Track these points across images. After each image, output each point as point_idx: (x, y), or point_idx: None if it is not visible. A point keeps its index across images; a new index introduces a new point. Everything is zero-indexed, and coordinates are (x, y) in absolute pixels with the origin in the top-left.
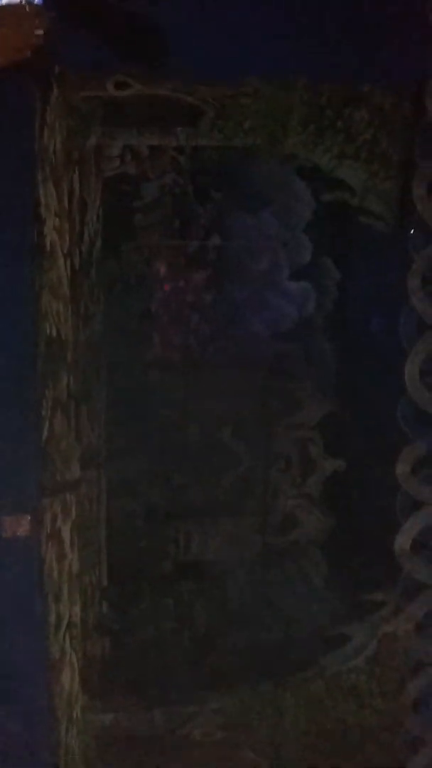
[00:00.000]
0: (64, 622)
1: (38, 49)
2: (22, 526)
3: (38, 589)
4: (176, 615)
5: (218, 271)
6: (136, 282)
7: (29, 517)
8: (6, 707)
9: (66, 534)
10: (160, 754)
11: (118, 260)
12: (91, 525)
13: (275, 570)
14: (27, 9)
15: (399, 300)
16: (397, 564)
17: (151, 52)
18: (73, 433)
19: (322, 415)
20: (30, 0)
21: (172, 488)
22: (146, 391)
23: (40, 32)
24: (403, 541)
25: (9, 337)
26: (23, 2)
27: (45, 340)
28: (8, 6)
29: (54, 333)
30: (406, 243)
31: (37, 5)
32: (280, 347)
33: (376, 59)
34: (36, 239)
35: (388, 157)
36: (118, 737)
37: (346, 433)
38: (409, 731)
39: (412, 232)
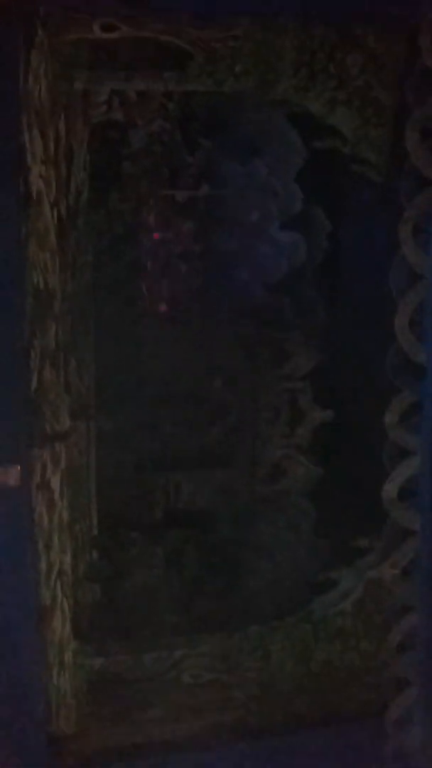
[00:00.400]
0: (55, 570)
1: None
2: (12, 477)
3: (28, 538)
4: (166, 562)
5: (207, 221)
6: (124, 232)
7: (19, 468)
8: None
9: (56, 484)
10: (150, 696)
11: (106, 210)
12: (81, 475)
13: (264, 518)
14: None
15: (390, 250)
16: (384, 511)
17: None
18: (62, 384)
19: (311, 365)
20: None
21: (162, 438)
22: (135, 342)
23: None
24: (390, 489)
25: None
26: None
27: (32, 291)
28: None
29: (41, 284)
30: (398, 192)
31: None
32: (269, 298)
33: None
34: (22, 188)
35: (381, 103)
36: (109, 680)
37: (335, 383)
38: (394, 672)
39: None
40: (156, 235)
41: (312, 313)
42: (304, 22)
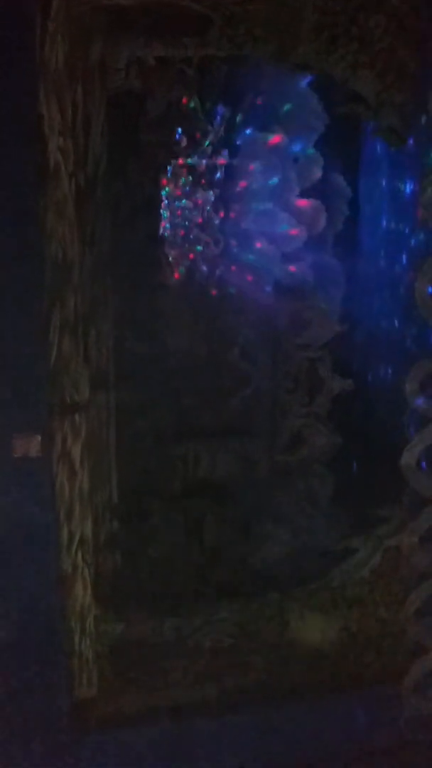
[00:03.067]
0: (76, 539)
1: None
2: (33, 447)
3: (50, 507)
4: (185, 530)
5: (226, 190)
6: (142, 202)
7: (40, 438)
8: (21, 619)
9: (76, 454)
10: (170, 661)
11: (124, 180)
12: (101, 445)
13: (283, 487)
14: None
15: (411, 218)
16: (403, 480)
17: None
18: (81, 355)
19: (330, 334)
20: None
21: (181, 408)
22: (154, 312)
23: None
24: (409, 457)
25: (15, 259)
26: None
27: (51, 263)
28: None
29: (60, 255)
30: (420, 158)
31: None
32: (288, 267)
33: None
34: (40, 159)
35: (405, 66)
36: (130, 646)
37: (355, 352)
38: (411, 639)
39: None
40: (174, 206)
41: (331, 281)
42: None
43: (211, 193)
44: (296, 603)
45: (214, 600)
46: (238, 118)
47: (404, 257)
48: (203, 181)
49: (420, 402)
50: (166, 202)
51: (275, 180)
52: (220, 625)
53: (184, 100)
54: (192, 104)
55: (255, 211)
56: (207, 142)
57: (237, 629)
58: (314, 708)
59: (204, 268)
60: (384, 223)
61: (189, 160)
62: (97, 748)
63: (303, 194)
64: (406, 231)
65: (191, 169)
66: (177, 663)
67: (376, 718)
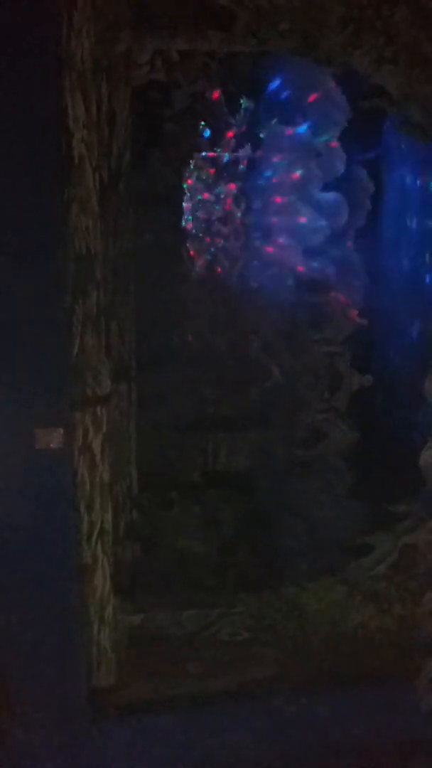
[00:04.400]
0: (96, 530)
1: None
2: (55, 439)
3: (70, 498)
4: (204, 522)
5: (249, 183)
6: (165, 195)
7: (62, 430)
8: (41, 609)
9: (97, 446)
10: (187, 652)
11: (148, 173)
12: (121, 437)
13: (301, 481)
14: None
15: None
16: (421, 477)
17: None
18: (103, 348)
19: (350, 330)
20: None
21: (201, 401)
22: (175, 305)
23: None
24: (428, 455)
25: (39, 253)
26: None
27: (74, 257)
28: None
29: (83, 249)
30: None
31: None
32: (310, 261)
33: None
34: (64, 152)
35: (430, 60)
36: (148, 636)
37: (375, 348)
38: (427, 635)
39: None
40: (197, 198)
41: (353, 276)
42: None
43: (234, 186)
44: (313, 596)
45: (231, 592)
46: (262, 112)
47: (427, 253)
48: (226, 174)
49: None
50: (188, 194)
51: (298, 174)
52: (236, 617)
53: (210, 93)
54: (216, 97)
55: (277, 205)
56: (230, 135)
57: (253, 622)
58: (329, 701)
59: (225, 261)
60: (407, 217)
61: (212, 154)
62: (115, 736)
63: (325, 188)
64: (430, 226)
65: (214, 162)
66: (194, 654)
67: (390, 712)
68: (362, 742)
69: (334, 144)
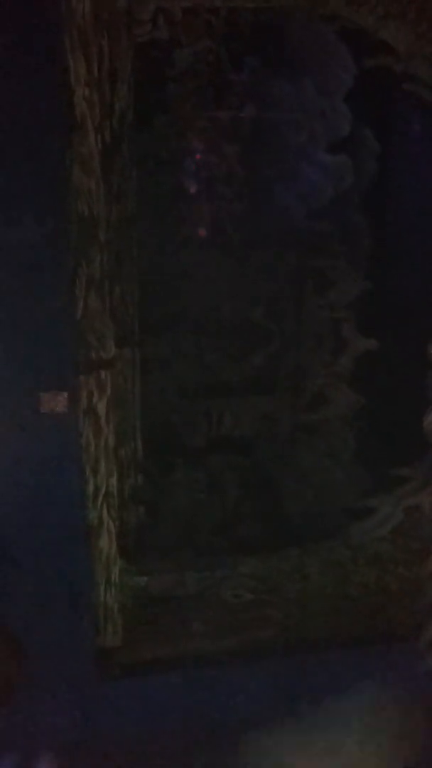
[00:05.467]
0: (101, 493)
1: None
2: (60, 403)
3: (76, 462)
4: (208, 486)
5: (252, 144)
6: (168, 157)
7: (66, 394)
8: (48, 571)
9: (102, 410)
10: (192, 613)
11: (150, 134)
12: (126, 401)
13: (304, 445)
14: None
15: None
16: (425, 441)
17: None
18: (107, 312)
19: (355, 294)
20: None
21: (205, 366)
22: (179, 269)
23: None
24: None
25: (41, 216)
26: None
27: (77, 219)
28: None
29: (86, 211)
30: None
31: None
32: (314, 224)
33: None
34: (66, 111)
35: None
36: (153, 598)
37: (379, 312)
38: (430, 596)
39: None
40: (200, 160)
41: (357, 239)
42: None
43: (237, 147)
44: (316, 558)
45: (235, 555)
46: (266, 70)
47: None
48: (229, 134)
49: None
50: (192, 155)
51: (302, 134)
52: (240, 579)
53: (212, 51)
54: (219, 55)
55: (281, 166)
56: (234, 94)
57: (257, 583)
58: (331, 661)
59: (229, 223)
60: (413, 179)
61: (215, 113)
62: (121, 696)
63: (330, 149)
64: None
65: (218, 122)
66: (198, 615)
67: (393, 671)
68: (364, 701)
69: (340, 104)
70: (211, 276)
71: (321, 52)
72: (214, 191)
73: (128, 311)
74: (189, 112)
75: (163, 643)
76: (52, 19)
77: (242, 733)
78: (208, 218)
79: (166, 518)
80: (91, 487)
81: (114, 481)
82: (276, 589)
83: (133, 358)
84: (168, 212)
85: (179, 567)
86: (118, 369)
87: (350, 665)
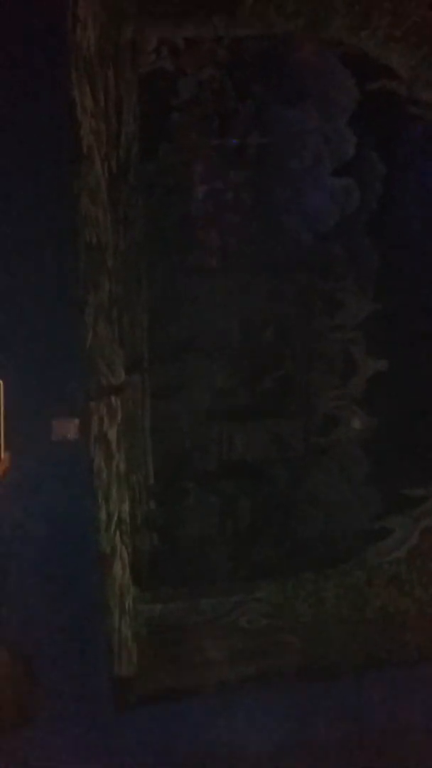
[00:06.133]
0: (114, 519)
1: None
2: (71, 430)
3: (88, 488)
4: (221, 511)
5: (258, 170)
6: (174, 185)
7: (77, 421)
8: (61, 599)
9: (113, 436)
10: (207, 640)
11: (156, 162)
12: (136, 427)
13: (317, 468)
14: None
15: None
16: None
17: None
18: (116, 338)
19: (364, 315)
20: None
21: (215, 390)
22: (187, 294)
23: None
24: None
25: (50, 244)
26: None
27: (85, 247)
28: None
29: (94, 239)
30: None
31: None
32: (321, 247)
33: None
34: (73, 143)
35: None
36: (168, 625)
37: (389, 333)
38: None
39: None
40: (206, 187)
41: (365, 260)
42: None
43: (243, 173)
44: (332, 582)
45: (249, 580)
46: (270, 97)
47: None
48: (235, 161)
49: None
50: (198, 183)
51: (307, 158)
52: (255, 605)
53: (215, 80)
54: (223, 84)
55: (287, 191)
56: (238, 122)
57: (272, 608)
58: (350, 686)
59: (236, 248)
60: (419, 200)
61: (220, 141)
62: (137, 726)
63: (335, 173)
64: None
65: (223, 149)
66: (213, 642)
67: (412, 696)
68: (384, 726)
69: (344, 128)
70: (220, 301)
71: (324, 77)
72: (221, 217)
73: (137, 337)
74: (194, 141)
75: (179, 671)
76: (58, 53)
77: (261, 761)
78: (216, 244)
79: (180, 544)
80: (103, 514)
81: (126, 507)
82: (292, 614)
83: (143, 383)
84: (176, 239)
85: (194, 594)
86: (128, 395)
87: (370, 690)
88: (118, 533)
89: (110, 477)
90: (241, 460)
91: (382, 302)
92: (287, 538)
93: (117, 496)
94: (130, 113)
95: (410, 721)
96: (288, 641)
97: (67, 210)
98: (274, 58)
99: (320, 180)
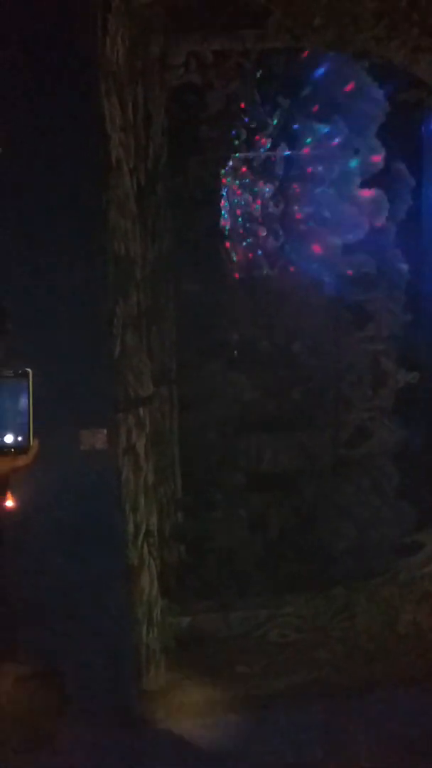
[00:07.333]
0: (142, 531)
1: None
2: (99, 440)
3: (116, 500)
4: (249, 523)
5: (287, 182)
6: (202, 197)
7: (105, 431)
8: (90, 611)
9: (141, 447)
10: (236, 654)
11: (185, 174)
12: (165, 439)
13: (347, 481)
14: None
15: None
16: None
17: None
18: (144, 349)
19: (394, 327)
20: None
21: (244, 402)
22: (215, 306)
23: None
24: None
25: (78, 255)
26: None
27: (114, 259)
28: None
29: (123, 251)
30: None
31: None
32: (351, 259)
33: None
34: (102, 156)
35: None
36: (196, 638)
37: (419, 344)
38: None
39: None
40: (234, 199)
41: (394, 272)
42: None
43: (271, 185)
44: (363, 596)
45: (279, 593)
46: (298, 110)
47: None
48: (263, 174)
49: None
50: (226, 196)
51: (336, 171)
52: (285, 619)
53: (244, 93)
54: (251, 97)
55: (316, 203)
56: (267, 135)
57: (302, 623)
58: (381, 703)
59: (264, 260)
60: None
61: (248, 154)
62: (165, 740)
63: (364, 184)
64: None
65: (251, 162)
66: (243, 656)
67: None
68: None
69: (372, 139)
70: (248, 312)
71: (352, 89)
72: (250, 228)
73: (166, 349)
74: (222, 153)
75: (208, 685)
76: (88, 68)
77: None
78: (244, 255)
79: (208, 557)
80: (131, 526)
81: (154, 519)
82: (322, 629)
83: (170, 395)
84: (204, 250)
85: (223, 607)
86: (156, 407)
87: (402, 707)
88: (146, 545)
89: (138, 489)
90: (270, 472)
91: (412, 313)
92: (317, 551)
93: (145, 508)
94: (158, 126)
95: None
96: (318, 656)
97: (97, 222)
98: (301, 71)
99: (349, 191)
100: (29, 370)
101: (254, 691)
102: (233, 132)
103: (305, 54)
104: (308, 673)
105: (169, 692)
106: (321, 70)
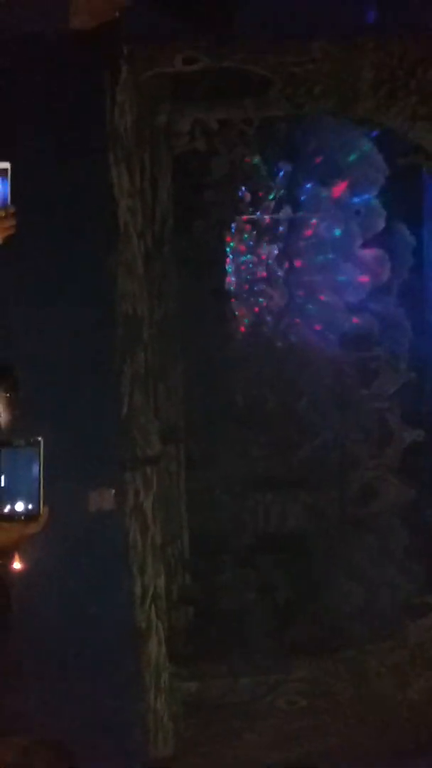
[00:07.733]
0: (150, 593)
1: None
2: (107, 500)
3: (123, 561)
4: (258, 585)
5: (290, 244)
6: (208, 258)
7: (113, 491)
8: (97, 674)
9: (148, 507)
10: (245, 721)
11: (190, 237)
12: (172, 498)
13: (355, 540)
14: None
15: None
16: None
17: (219, 22)
18: (151, 408)
19: (399, 384)
20: None
21: (251, 460)
22: (222, 365)
23: None
24: None
25: (88, 317)
26: None
27: (122, 319)
28: None
29: (130, 311)
30: None
31: None
32: (354, 317)
33: None
34: (110, 221)
35: None
36: (205, 704)
37: (424, 402)
38: None
39: None
40: (239, 261)
41: (398, 330)
42: (382, 40)
43: (275, 247)
44: (373, 660)
45: (288, 658)
46: (300, 174)
47: None
48: (267, 235)
49: None
50: (231, 257)
51: (338, 232)
52: (294, 684)
53: (247, 158)
54: (254, 162)
55: (319, 263)
56: (270, 198)
57: (312, 688)
58: None
59: (270, 320)
60: None
61: (252, 216)
62: None
63: (366, 245)
64: None
65: (255, 224)
66: (252, 723)
67: None
68: None
69: (374, 201)
70: (255, 371)
71: (353, 153)
72: (255, 289)
73: (173, 407)
74: (226, 216)
75: (217, 753)
76: (97, 137)
77: None
78: (250, 315)
79: (216, 620)
80: (138, 588)
81: (162, 581)
82: (332, 694)
83: (178, 454)
84: (210, 310)
85: (231, 672)
86: (163, 466)
87: None
88: (153, 608)
89: (146, 549)
90: (277, 532)
91: (415, 371)
92: (326, 613)
93: (152, 570)
94: (164, 192)
95: None
96: (327, 724)
97: (106, 285)
98: (303, 137)
99: (351, 252)
100: (40, 438)
101: (263, 759)
102: (237, 195)
103: (307, 120)
104: (318, 741)
105: (177, 760)
106: (322, 135)
